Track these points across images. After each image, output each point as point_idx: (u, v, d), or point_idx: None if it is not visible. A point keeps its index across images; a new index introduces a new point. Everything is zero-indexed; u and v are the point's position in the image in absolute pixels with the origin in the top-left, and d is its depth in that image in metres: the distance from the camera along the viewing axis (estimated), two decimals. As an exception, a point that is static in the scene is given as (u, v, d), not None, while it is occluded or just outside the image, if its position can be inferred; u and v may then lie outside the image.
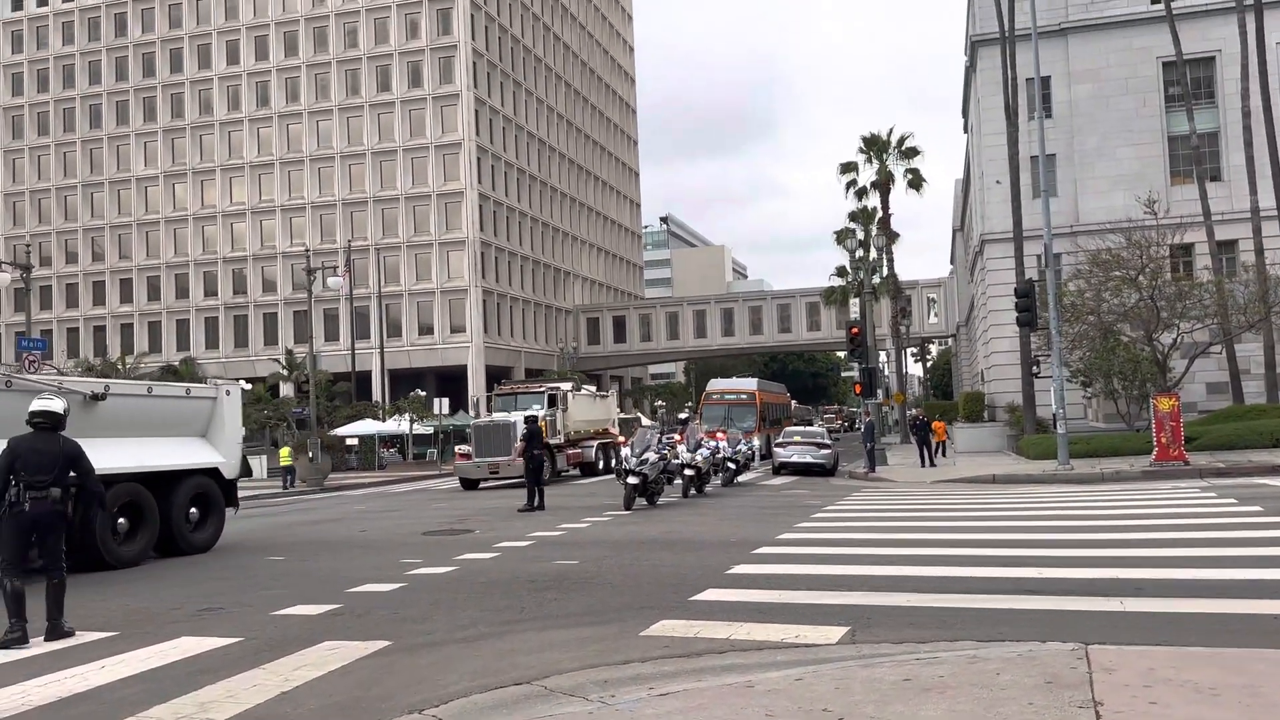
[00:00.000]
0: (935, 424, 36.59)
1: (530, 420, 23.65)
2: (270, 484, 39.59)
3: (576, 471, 34.02)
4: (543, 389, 32.66)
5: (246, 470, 21.94)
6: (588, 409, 34.75)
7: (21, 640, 8.56)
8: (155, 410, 16.01)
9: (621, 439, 35.24)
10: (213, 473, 16.51)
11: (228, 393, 17.39)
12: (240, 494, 18.02)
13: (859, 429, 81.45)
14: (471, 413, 38.66)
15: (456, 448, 34.87)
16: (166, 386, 17.95)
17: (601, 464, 34.44)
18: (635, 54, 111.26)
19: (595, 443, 34.49)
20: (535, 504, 21.18)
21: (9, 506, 8.70)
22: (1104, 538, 13.16)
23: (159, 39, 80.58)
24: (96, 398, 14.58)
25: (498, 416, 31.25)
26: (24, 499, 8.71)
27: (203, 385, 18.90)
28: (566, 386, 33.63)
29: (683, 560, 12.60)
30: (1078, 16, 42.07)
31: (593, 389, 38.10)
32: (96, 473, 9.28)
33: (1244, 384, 34.27)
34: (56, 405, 9.33)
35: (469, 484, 31.17)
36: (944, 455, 36.81)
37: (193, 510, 15.93)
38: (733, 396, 45.07)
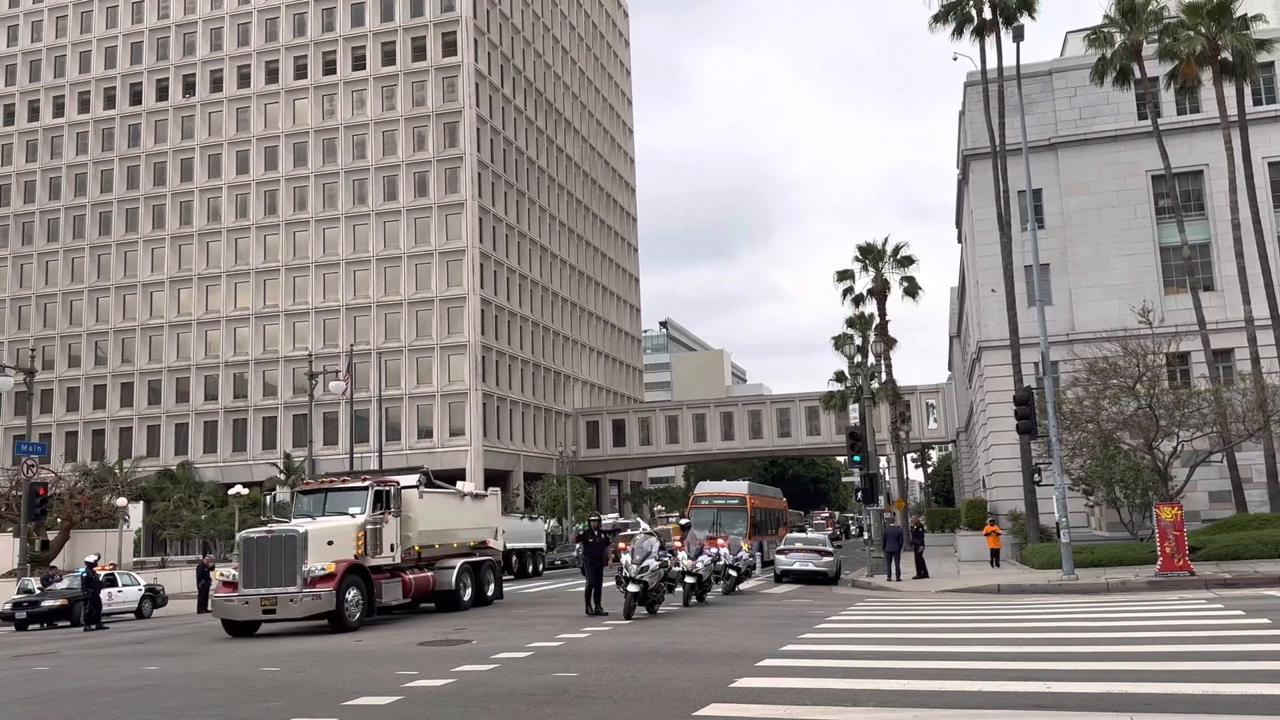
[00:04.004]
0: (987, 527, 35.65)
1: (595, 522, 23.06)
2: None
3: (432, 605, 24.85)
4: (366, 483, 22.63)
5: None
6: (447, 514, 25.51)
7: None
8: None
9: (499, 551, 28.23)
10: None
11: None
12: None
13: (857, 535, 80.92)
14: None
15: (220, 572, 24.50)
16: None
17: (470, 592, 25.04)
18: (635, 164, 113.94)
19: (458, 562, 24.83)
20: (592, 608, 20.98)
21: None
22: (1112, 650, 12.97)
23: (171, 149, 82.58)
24: None
25: (278, 527, 21.34)
26: None
27: None
28: (409, 481, 24.03)
29: (685, 673, 12.39)
30: (1067, 132, 43.23)
31: (470, 486, 28.44)
32: None
33: (1246, 492, 34.12)
34: None
35: (236, 628, 20.83)
36: (996, 565, 33.26)
37: None
38: (721, 500, 42.62)
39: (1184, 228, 37.29)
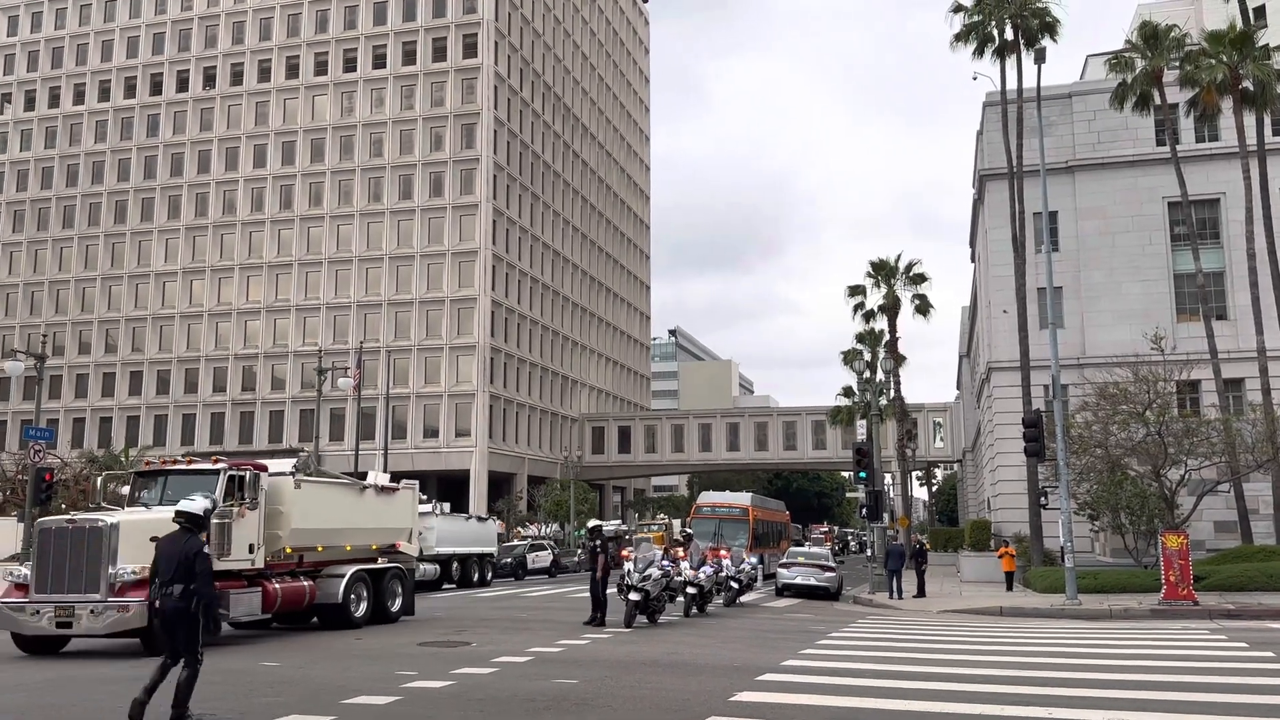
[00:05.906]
0: (1001, 549, 34.78)
1: (596, 530, 22.15)
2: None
3: (314, 621, 20.06)
4: (219, 466, 17.87)
5: None
6: (338, 510, 20.67)
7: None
8: None
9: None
10: None
11: None
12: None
13: (855, 551, 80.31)
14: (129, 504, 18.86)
15: (10, 573, 17.65)
16: None
17: (365, 606, 20.24)
18: (651, 172, 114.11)
19: (350, 569, 20.06)
20: (597, 617, 20.44)
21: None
22: (1114, 678, 12.91)
23: (189, 140, 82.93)
24: None
25: (82, 516, 16.72)
26: (157, 595, 9.60)
27: None
28: (281, 466, 19.60)
29: (684, 684, 12.37)
30: (1085, 156, 43.17)
31: (383, 478, 23.56)
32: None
33: (1253, 524, 33.93)
34: (195, 506, 9.94)
35: (29, 644, 16.14)
36: (1011, 588, 32.28)
37: None
38: (724, 510, 42.51)
39: (1199, 255, 37.16)
